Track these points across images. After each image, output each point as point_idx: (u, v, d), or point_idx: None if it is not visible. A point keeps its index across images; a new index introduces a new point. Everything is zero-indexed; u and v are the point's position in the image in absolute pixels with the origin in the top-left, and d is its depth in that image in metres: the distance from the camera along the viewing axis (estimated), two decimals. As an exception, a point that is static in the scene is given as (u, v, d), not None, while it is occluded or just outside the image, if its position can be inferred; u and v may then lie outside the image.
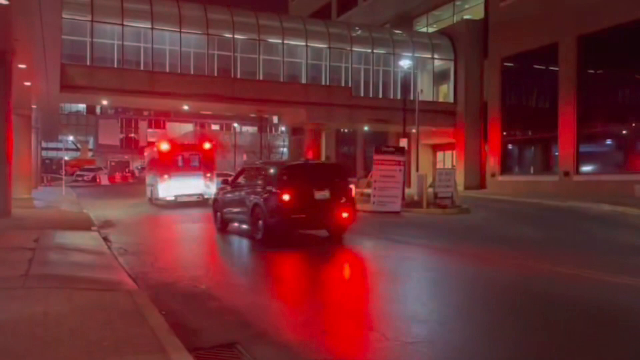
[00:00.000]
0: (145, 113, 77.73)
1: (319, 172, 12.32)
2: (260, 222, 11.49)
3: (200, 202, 22.57)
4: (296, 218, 11.10)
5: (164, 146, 21.55)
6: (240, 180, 13.62)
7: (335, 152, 45.80)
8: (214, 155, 21.91)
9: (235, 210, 12.96)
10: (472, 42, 33.92)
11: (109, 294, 6.60)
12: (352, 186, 12.37)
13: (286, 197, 11.02)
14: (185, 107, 35.12)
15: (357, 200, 20.06)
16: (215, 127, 78.21)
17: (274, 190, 11.26)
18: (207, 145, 22.27)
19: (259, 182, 12.11)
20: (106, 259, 9.60)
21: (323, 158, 32.85)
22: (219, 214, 14.18)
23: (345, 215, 11.79)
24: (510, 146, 31.20)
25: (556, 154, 27.18)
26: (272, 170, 11.83)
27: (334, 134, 45.19)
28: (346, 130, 44.37)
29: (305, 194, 11.18)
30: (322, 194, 11.41)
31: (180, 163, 21.17)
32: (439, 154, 37.66)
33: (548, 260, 9.83)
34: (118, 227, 15.58)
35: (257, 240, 11.83)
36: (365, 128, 37.52)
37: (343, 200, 11.78)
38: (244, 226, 12.73)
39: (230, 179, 14.92)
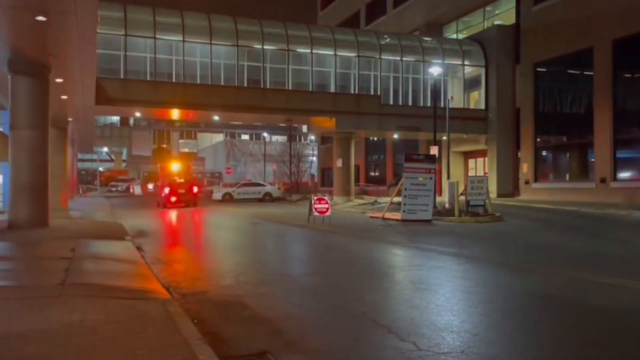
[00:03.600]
0: (177, 124, 79.02)
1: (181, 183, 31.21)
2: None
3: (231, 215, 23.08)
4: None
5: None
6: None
7: (364, 160, 45.75)
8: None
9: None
10: (504, 47, 33.54)
11: (142, 303, 6.72)
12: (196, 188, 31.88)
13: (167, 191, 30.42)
14: (216, 118, 35.62)
15: (389, 208, 20.07)
16: (245, 136, 78.98)
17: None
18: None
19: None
20: (140, 268, 9.77)
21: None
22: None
23: (188, 197, 30.75)
24: (544, 152, 30.65)
25: (592, 160, 26.57)
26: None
27: (364, 142, 45.18)
28: (375, 139, 44.29)
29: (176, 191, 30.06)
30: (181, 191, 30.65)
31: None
32: (471, 161, 37.25)
33: (586, 270, 9.62)
34: (151, 236, 15.86)
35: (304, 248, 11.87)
36: (395, 136, 37.40)
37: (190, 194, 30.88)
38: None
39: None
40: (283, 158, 50.88)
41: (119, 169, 75.47)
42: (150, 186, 53.37)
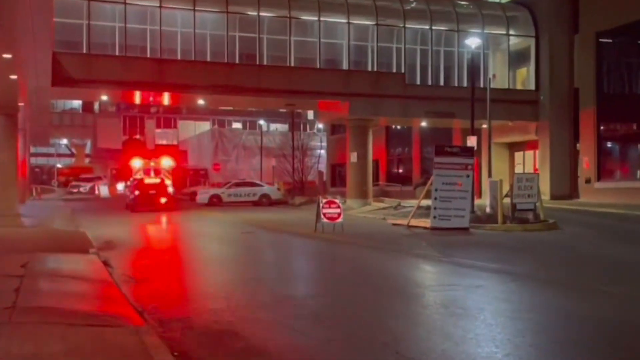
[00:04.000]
0: (153, 110, 79.27)
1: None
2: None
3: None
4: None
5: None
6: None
7: (385, 154, 45.74)
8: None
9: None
10: (558, 13, 33.37)
11: (110, 332, 6.74)
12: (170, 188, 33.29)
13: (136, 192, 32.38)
14: (201, 102, 35.69)
15: (415, 214, 20.01)
16: (237, 125, 79.06)
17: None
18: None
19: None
20: (107, 288, 9.80)
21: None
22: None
23: (163, 200, 32.39)
24: (609, 144, 30.50)
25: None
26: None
27: (384, 132, 45.14)
28: (399, 127, 44.22)
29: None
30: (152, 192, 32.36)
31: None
32: (518, 155, 37.12)
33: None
34: (121, 249, 15.91)
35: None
36: (423, 124, 37.31)
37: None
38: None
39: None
40: (284, 152, 50.87)
41: (82, 166, 75.78)
42: (120, 186, 53.57)
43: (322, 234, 19.00)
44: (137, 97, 34.07)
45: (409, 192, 38.20)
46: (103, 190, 56.17)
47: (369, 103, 31.84)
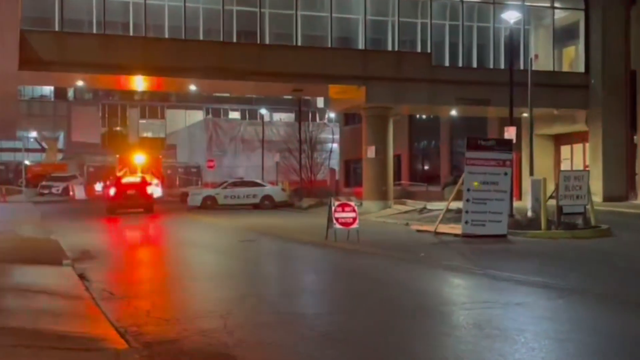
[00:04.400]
0: (137, 97, 79.39)
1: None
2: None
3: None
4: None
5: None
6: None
7: (407, 148, 45.64)
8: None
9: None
10: (612, -19, 33.21)
11: (88, 356, 6.76)
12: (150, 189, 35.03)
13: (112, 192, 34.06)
14: (193, 88, 35.78)
15: (444, 218, 20.04)
16: (234, 115, 79.16)
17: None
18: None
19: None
20: (84, 305, 9.84)
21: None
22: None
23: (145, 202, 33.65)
24: (673, 136, 30.31)
25: None
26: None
27: (407, 122, 45.06)
28: (424, 117, 44.11)
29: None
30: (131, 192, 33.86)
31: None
32: (564, 149, 36.97)
33: None
34: (100, 260, 15.97)
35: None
36: (453, 113, 37.20)
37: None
38: None
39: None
40: (289, 146, 50.84)
41: (54, 163, 75.96)
42: (99, 187, 53.77)
43: (335, 242, 18.97)
44: (119, 82, 34.17)
45: (436, 192, 38.11)
46: (78, 191, 56.33)
47: (389, 88, 31.79)
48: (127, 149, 39.49)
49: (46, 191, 59.36)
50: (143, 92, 73.17)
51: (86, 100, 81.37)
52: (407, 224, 25.05)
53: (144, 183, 34.36)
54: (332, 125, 60.47)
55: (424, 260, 15.60)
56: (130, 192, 33.36)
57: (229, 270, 14.98)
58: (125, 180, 34.20)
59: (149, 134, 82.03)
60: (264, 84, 32.56)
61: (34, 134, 78.48)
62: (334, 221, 19.54)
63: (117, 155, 36.62)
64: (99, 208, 34.66)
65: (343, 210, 19.73)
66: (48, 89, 79.15)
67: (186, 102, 76.75)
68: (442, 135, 43.11)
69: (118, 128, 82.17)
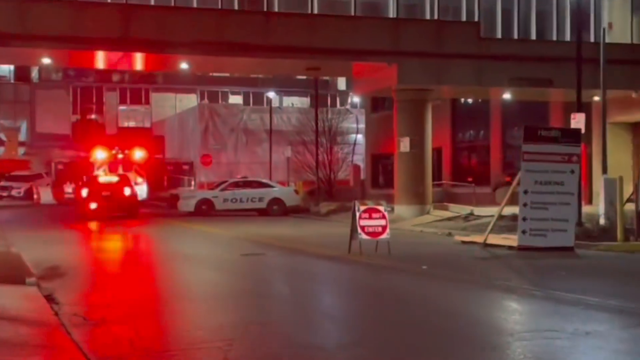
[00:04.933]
0: (116, 78, 79.71)
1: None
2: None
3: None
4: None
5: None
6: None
7: (449, 139, 45.45)
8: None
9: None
10: None
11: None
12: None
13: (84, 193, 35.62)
14: (184, 66, 35.85)
15: (494, 227, 20.02)
16: (235, 99, 79.26)
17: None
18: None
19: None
20: (53, 332, 9.84)
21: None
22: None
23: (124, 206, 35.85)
24: None
25: None
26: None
27: (449, 108, 44.88)
28: (470, 101, 43.94)
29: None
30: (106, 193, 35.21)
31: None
32: (647, 141, 36.78)
33: None
34: (71, 277, 16.02)
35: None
36: (506, 96, 37.06)
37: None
38: None
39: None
40: (304, 137, 50.87)
41: (14, 159, 76.37)
42: (69, 189, 53.96)
43: (360, 256, 18.98)
44: (93, 59, 34.30)
45: (485, 195, 37.96)
46: (44, 193, 56.58)
47: (427, 66, 31.75)
48: (104, 142, 39.62)
49: (4, 193, 59.80)
50: (123, 73, 73.44)
51: (54, 82, 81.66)
52: (449, 234, 25.00)
53: (126, 182, 34.46)
54: (357, 112, 60.43)
55: (462, 277, 15.54)
56: (105, 193, 33.83)
57: (229, 291, 14.96)
58: (102, 179, 34.31)
59: (131, 123, 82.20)
60: (272, 61, 32.60)
61: (-12, 122, 78.65)
62: (359, 230, 19.54)
63: (97, 149, 36.76)
64: (70, 214, 34.84)
65: (370, 217, 19.74)
66: (7, 69, 79.50)
67: (176, 84, 76.94)
68: (493, 125, 42.89)
69: (93, 116, 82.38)
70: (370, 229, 19.59)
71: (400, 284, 15.37)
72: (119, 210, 33.58)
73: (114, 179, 35.50)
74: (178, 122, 73.02)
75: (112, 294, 14.43)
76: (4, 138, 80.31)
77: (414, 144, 32.97)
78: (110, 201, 33.70)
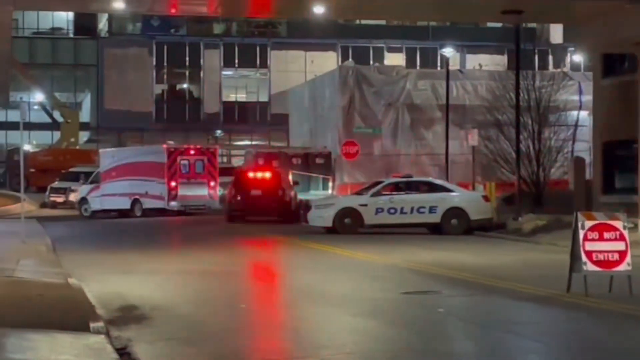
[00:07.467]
0: (218, 30, 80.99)
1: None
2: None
3: None
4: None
5: None
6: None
7: None
8: None
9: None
10: None
11: None
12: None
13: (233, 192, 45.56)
14: (318, 10, 36.23)
15: None
16: (393, 58, 79.57)
17: None
18: None
19: None
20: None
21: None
22: None
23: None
24: None
25: None
26: None
27: None
28: None
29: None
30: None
31: None
32: None
33: None
34: (156, 321, 16.42)
35: None
36: None
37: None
38: None
39: None
40: (497, 116, 50.70)
41: (74, 147, 77.97)
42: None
43: (585, 297, 18.84)
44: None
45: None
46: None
47: None
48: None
49: (59, 199, 61.33)
50: (229, 22, 74.56)
51: (130, 36, 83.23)
52: None
53: (278, 180, 37.75)
54: (579, 78, 59.91)
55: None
56: (255, 192, 38.12)
57: (389, 348, 14.92)
58: (251, 175, 37.26)
59: (240, 96, 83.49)
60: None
61: (38, 95, 79.71)
62: (584, 258, 19.33)
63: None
64: (155, 226, 35.63)
65: (601, 238, 19.56)
66: (64, 17, 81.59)
67: (306, 38, 77.81)
68: None
69: (183, 85, 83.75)
70: (601, 256, 19.39)
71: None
72: (271, 213, 35.66)
73: (266, 174, 38.37)
74: (308, 93, 73.66)
75: (215, 348, 14.63)
76: (59, 118, 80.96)
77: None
78: (260, 202, 37.00)
